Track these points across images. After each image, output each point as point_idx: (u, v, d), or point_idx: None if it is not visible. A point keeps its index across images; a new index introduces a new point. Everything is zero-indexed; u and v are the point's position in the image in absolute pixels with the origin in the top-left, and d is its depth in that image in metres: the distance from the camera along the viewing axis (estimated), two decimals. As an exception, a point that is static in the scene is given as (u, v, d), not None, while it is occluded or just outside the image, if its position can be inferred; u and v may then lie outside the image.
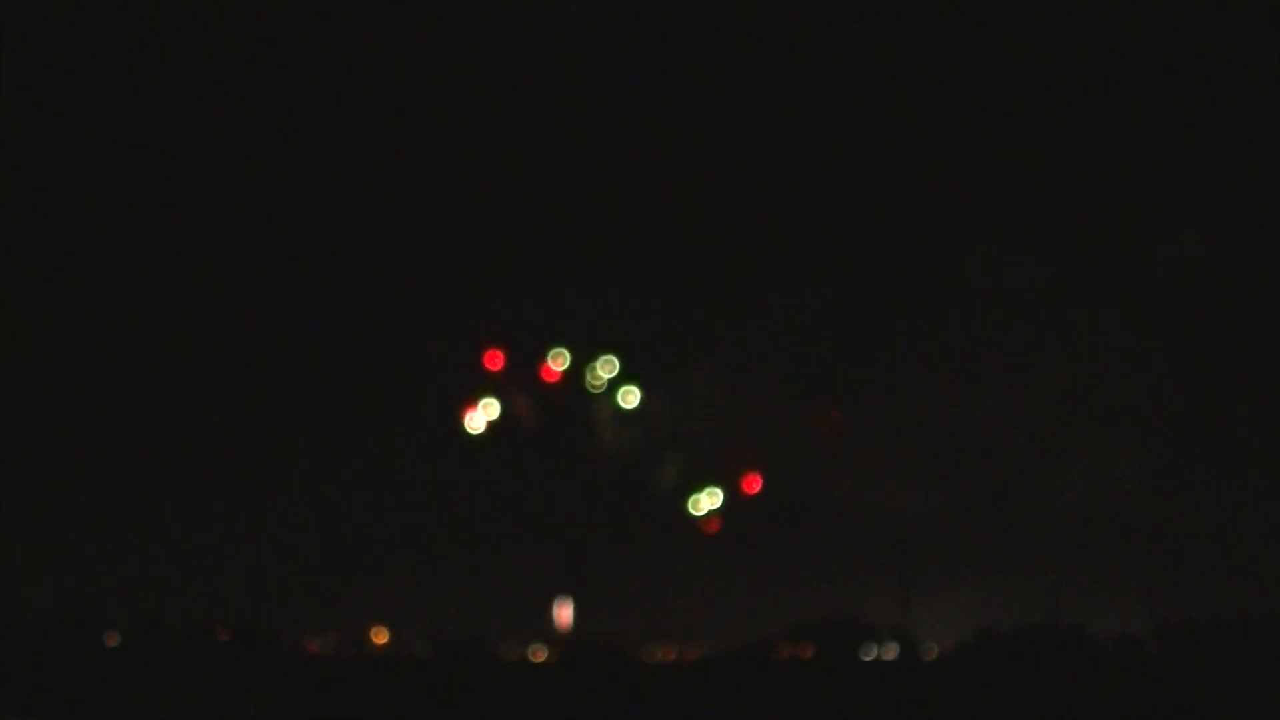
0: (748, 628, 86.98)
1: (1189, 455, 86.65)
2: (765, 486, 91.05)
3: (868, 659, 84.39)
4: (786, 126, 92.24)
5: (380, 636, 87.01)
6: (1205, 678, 75.17)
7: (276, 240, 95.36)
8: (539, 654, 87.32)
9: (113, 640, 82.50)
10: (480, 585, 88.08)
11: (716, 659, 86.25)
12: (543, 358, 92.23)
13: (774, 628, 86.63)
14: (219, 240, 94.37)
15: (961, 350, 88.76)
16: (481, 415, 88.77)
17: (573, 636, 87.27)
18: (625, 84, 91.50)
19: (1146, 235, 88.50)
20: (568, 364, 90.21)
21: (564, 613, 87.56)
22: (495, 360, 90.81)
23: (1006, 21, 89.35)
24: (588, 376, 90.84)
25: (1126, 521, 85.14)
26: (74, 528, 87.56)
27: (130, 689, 77.10)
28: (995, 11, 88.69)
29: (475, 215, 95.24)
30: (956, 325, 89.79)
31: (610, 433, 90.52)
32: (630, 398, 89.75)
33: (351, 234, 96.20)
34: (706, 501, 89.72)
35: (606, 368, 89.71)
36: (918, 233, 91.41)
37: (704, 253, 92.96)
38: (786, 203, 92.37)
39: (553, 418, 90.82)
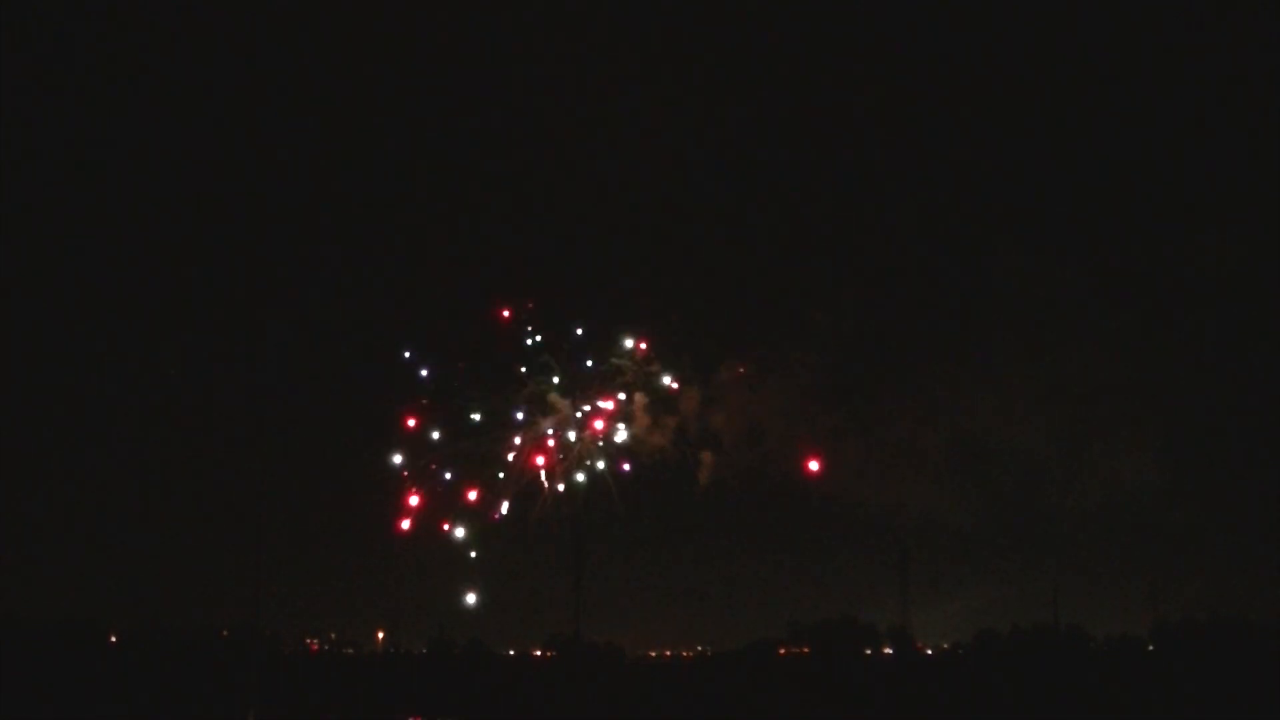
0: (747, 628, 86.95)
1: (1203, 457, 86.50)
2: (767, 486, 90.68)
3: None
4: (816, 136, 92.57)
5: (379, 636, 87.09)
6: (1204, 677, 75.19)
7: (279, 247, 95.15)
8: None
9: (113, 640, 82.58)
10: (480, 586, 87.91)
11: (716, 658, 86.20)
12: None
13: (774, 628, 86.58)
14: (224, 250, 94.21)
15: (982, 354, 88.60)
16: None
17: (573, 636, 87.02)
18: (669, 102, 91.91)
19: (1165, 242, 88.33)
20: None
21: None
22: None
23: (1032, 35, 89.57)
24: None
25: (1135, 523, 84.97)
26: (75, 529, 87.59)
27: (130, 689, 77.10)
28: (1022, 26, 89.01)
29: (496, 219, 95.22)
30: (977, 329, 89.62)
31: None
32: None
33: (350, 243, 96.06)
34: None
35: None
36: (941, 238, 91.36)
37: (737, 257, 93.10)
38: (815, 210, 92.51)
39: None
